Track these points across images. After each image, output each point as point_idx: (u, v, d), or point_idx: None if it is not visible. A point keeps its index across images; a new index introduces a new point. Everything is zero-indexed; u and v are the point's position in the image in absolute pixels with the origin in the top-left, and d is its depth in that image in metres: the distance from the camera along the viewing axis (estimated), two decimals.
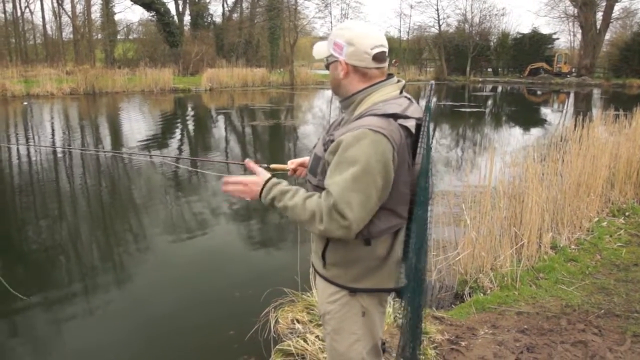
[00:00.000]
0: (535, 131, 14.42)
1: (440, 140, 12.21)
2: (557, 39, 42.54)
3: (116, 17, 35.82)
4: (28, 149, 10.04)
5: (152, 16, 33.43)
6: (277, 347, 2.87)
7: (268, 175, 1.64)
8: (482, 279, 3.76)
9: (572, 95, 29.40)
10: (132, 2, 32.19)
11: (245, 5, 39.92)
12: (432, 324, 3.07)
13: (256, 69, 32.01)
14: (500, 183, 4.72)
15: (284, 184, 1.59)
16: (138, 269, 4.61)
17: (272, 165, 2.12)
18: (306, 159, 1.97)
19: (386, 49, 1.61)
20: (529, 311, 3.28)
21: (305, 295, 3.34)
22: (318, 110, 19.94)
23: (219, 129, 14.68)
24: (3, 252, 5.03)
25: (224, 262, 4.81)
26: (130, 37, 37.52)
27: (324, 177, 1.57)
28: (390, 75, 1.66)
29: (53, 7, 34.76)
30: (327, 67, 1.67)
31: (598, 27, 37.78)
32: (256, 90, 27.80)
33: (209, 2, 38.22)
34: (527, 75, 39.45)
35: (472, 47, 40.68)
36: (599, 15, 38.11)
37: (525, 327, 3.05)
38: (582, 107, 20.34)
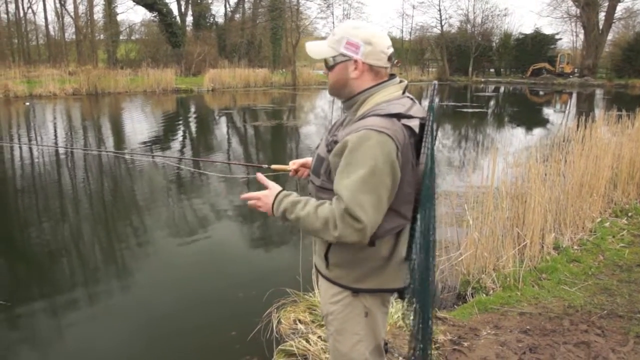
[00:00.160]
0: (537, 132, 14.40)
1: (443, 141, 12.18)
2: (560, 39, 42.61)
3: (119, 18, 36.03)
4: (30, 149, 10.07)
5: (155, 17, 33.54)
6: (279, 347, 2.88)
7: (279, 188, 1.63)
8: (485, 279, 3.76)
9: (574, 95, 29.34)
10: (134, 3, 32.33)
11: (247, 5, 40.06)
12: (434, 325, 3.06)
13: (258, 69, 32.04)
14: (502, 183, 4.72)
15: (294, 195, 1.59)
16: (140, 270, 4.62)
17: (274, 166, 2.10)
18: (308, 159, 1.96)
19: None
20: (531, 312, 3.27)
21: (307, 295, 3.33)
22: (320, 111, 19.94)
23: (221, 130, 14.69)
24: (3, 252, 5.04)
25: (226, 262, 4.81)
26: (133, 37, 37.62)
27: (327, 178, 1.56)
28: (392, 76, 1.65)
29: (55, 7, 35.02)
30: (328, 67, 1.62)
31: (600, 27, 37.70)
32: (258, 91, 27.81)
33: (211, 3, 38.40)
34: (529, 76, 39.40)
35: (475, 47, 40.68)
36: (602, 15, 38.07)
37: (528, 327, 3.05)
38: (585, 108, 20.29)
